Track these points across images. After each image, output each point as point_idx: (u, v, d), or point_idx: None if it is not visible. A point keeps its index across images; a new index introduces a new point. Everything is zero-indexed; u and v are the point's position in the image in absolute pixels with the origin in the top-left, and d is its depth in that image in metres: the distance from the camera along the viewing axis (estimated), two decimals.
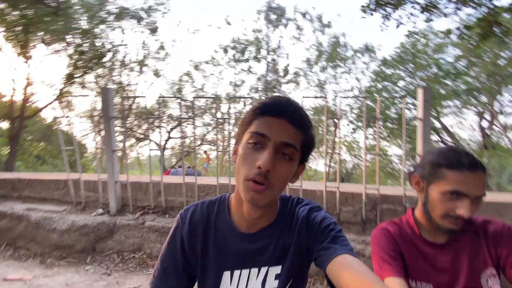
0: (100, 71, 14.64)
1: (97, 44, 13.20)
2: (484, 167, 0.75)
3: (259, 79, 17.58)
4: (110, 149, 2.74)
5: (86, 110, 15.53)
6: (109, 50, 13.90)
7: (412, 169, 0.89)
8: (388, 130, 13.79)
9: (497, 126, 12.86)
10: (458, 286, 0.77)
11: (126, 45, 14.82)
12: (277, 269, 0.63)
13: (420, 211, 0.85)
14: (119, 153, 3.03)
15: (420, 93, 2.34)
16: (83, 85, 14.35)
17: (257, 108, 0.58)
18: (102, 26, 13.27)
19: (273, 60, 17.18)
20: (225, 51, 17.37)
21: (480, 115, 12.89)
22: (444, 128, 13.30)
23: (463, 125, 14.44)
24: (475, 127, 13.56)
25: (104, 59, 13.94)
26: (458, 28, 5.54)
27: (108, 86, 12.78)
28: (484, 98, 11.92)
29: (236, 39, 17.14)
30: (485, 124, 13.03)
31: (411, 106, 10.77)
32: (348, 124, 15.03)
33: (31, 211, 2.76)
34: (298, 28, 16.64)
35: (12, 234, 2.65)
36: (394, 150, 15.94)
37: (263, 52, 17.08)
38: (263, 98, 0.62)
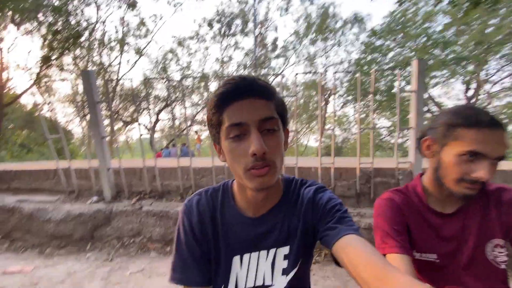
0: (78, 52, 13.84)
1: (72, 22, 12.33)
2: (503, 125, 0.68)
3: (246, 54, 17.08)
4: (98, 136, 2.64)
5: (68, 94, 14.89)
6: (85, 29, 13.04)
7: (420, 135, 0.82)
8: (377, 103, 13.87)
9: (483, 95, 13.13)
10: (462, 255, 0.75)
11: (103, 22, 13.94)
12: (285, 250, 0.64)
13: (430, 178, 0.79)
14: (111, 137, 2.95)
15: (414, 65, 2.31)
16: (61, 67, 13.60)
17: (218, 100, 0.55)
18: (75, 2, 12.33)
19: (261, 33, 16.60)
20: (210, 25, 16.60)
21: (467, 84, 13.06)
22: (431, 98, 13.48)
23: (450, 95, 14.68)
24: (461, 96, 13.81)
25: (81, 39, 13.11)
26: None
27: (88, 69, 12.17)
28: (471, 67, 12.00)
29: (221, 12, 16.34)
30: (471, 93, 13.26)
31: (401, 77, 10.78)
32: (338, 99, 15.02)
33: (22, 202, 2.69)
34: None
35: (6, 227, 2.60)
36: (383, 123, 16.18)
37: (250, 25, 16.42)
38: (221, 83, 0.58)
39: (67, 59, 13.80)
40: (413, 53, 13.00)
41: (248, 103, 0.54)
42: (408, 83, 11.05)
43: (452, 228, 0.77)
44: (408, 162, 2.50)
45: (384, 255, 0.73)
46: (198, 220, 0.65)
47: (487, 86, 12.69)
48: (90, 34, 13.75)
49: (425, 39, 12.53)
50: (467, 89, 13.28)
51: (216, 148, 0.62)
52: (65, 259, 2.25)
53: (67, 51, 12.80)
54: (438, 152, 0.74)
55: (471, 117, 0.68)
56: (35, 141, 15.55)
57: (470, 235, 0.75)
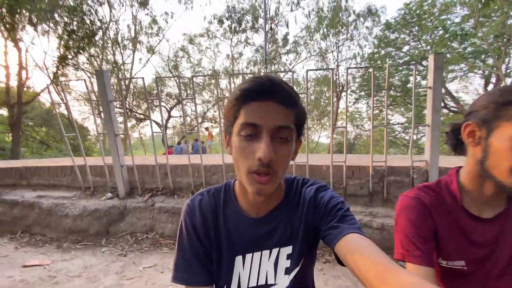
0: (92, 51, 14.17)
1: (86, 21, 12.62)
2: None
3: (257, 50, 16.99)
4: (112, 134, 2.70)
5: (83, 92, 15.30)
6: (99, 28, 13.33)
7: (452, 127, 0.72)
8: (391, 98, 13.53)
9: None
10: (495, 262, 0.67)
11: (117, 21, 14.19)
12: (288, 250, 0.64)
13: (470, 173, 0.67)
14: (125, 134, 3.01)
15: (431, 59, 2.23)
16: (77, 66, 13.98)
17: (240, 95, 0.54)
18: (89, 2, 12.60)
19: (272, 29, 16.45)
20: (221, 22, 16.60)
21: (486, 79, 12.53)
22: (449, 93, 13.02)
23: (468, 89, 14.13)
24: (481, 91, 13.26)
25: (96, 38, 13.41)
26: None
27: (103, 69, 12.44)
28: (491, 61, 11.49)
29: (231, 8, 16.29)
30: (490, 88, 12.71)
31: (417, 72, 10.43)
32: (350, 94, 14.75)
33: (41, 198, 2.80)
34: None
35: (26, 222, 2.72)
36: (397, 119, 15.79)
37: (261, 21, 16.31)
38: (247, 78, 0.56)
39: (82, 58, 14.18)
40: (429, 46, 12.55)
41: (268, 106, 0.52)
42: (424, 77, 10.71)
43: (487, 234, 0.67)
44: (424, 160, 2.42)
45: (403, 262, 0.68)
46: (201, 220, 0.65)
47: (507, 80, 12.13)
48: (104, 33, 14.05)
49: (442, 32, 12.06)
50: (487, 83, 12.74)
51: (226, 139, 0.62)
52: (81, 253, 2.33)
53: (82, 50, 13.13)
54: (485, 138, 0.61)
55: None
56: (53, 138, 16.13)
57: (504, 244, 0.67)
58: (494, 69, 11.07)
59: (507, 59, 11.11)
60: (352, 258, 0.49)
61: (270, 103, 0.52)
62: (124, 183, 2.81)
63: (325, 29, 15.92)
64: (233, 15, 16.46)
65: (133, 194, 2.87)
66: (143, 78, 2.78)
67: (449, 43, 11.94)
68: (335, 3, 15.42)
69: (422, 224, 0.68)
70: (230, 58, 17.31)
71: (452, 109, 13.30)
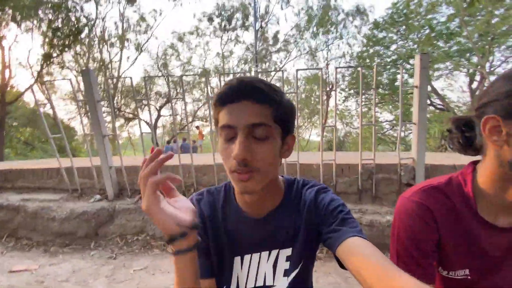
0: (78, 49, 13.81)
1: (71, 19, 12.28)
2: None
3: (247, 48, 16.94)
4: (100, 135, 2.65)
5: (70, 91, 14.90)
6: (85, 25, 12.99)
7: (457, 122, 0.62)
8: (379, 96, 13.77)
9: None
10: (501, 276, 0.59)
11: (103, 18, 13.87)
12: (287, 251, 0.64)
13: (492, 176, 0.55)
14: (113, 134, 2.95)
15: (417, 59, 2.28)
16: (62, 65, 13.60)
17: (216, 100, 0.56)
18: None
19: (262, 27, 16.43)
20: (210, 19, 16.46)
21: (471, 77, 12.89)
22: (434, 91, 13.33)
23: (453, 87, 14.51)
24: (465, 88, 13.65)
25: (81, 36, 13.07)
26: None
27: (89, 68, 12.13)
28: (475, 59, 11.83)
29: (221, 6, 16.18)
30: (475, 85, 13.10)
31: (404, 71, 10.64)
32: (340, 93, 14.91)
33: (27, 201, 2.72)
34: None
35: (12, 225, 2.64)
36: (385, 116, 16.07)
37: (251, 19, 16.26)
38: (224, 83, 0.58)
39: (68, 56, 13.80)
40: (416, 45, 12.82)
41: (240, 106, 0.53)
42: (411, 76, 10.92)
43: (500, 244, 0.58)
44: (411, 158, 2.48)
45: None
46: (200, 218, 0.65)
47: (491, 78, 12.52)
48: (90, 30, 13.71)
49: (428, 31, 12.33)
50: (471, 81, 13.11)
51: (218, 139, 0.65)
52: (70, 257, 2.28)
53: (67, 48, 12.78)
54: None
55: None
56: (38, 138, 15.68)
57: None
58: (479, 67, 11.41)
59: (491, 58, 11.47)
60: (354, 262, 0.49)
61: (242, 103, 0.53)
62: (113, 184, 2.77)
63: (314, 28, 16.02)
64: (223, 12, 16.35)
65: (123, 195, 2.82)
66: (131, 78, 2.73)
67: (435, 42, 12.22)
68: (325, 2, 15.53)
69: (424, 235, 0.59)
70: (221, 56, 17.20)
71: (438, 106, 13.63)
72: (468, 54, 11.88)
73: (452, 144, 0.62)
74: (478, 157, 0.61)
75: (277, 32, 16.94)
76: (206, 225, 0.66)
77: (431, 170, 2.51)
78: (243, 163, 0.52)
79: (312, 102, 18.30)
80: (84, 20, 12.86)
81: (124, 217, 2.54)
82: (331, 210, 0.60)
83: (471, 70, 12.41)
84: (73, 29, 12.21)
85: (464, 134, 0.60)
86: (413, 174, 2.46)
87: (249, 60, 17.03)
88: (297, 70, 2.57)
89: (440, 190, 0.61)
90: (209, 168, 2.76)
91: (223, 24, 16.54)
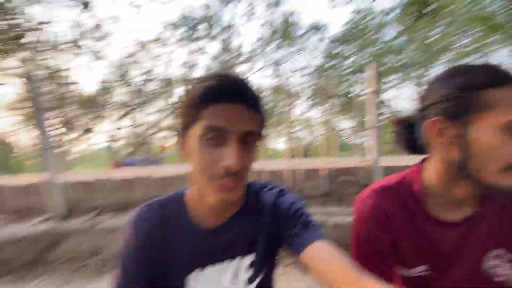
0: (22, 55, 12.53)
1: (12, 22, 11.14)
2: None
3: (214, 59, 16.94)
4: (46, 147, 2.39)
5: (12, 101, 13.37)
6: (28, 30, 11.87)
7: (402, 124, 0.63)
8: (339, 105, 14.70)
9: None
10: (459, 267, 0.59)
11: (49, 22, 12.81)
12: (249, 258, 0.60)
13: (439, 174, 0.56)
14: (63, 148, 2.68)
15: (372, 68, 2.49)
16: (3, 71, 12.20)
17: (204, 93, 0.49)
18: (16, 1, 11.18)
19: (227, 39, 16.60)
20: (175, 28, 16.19)
21: (419, 87, 14.46)
22: (386, 100, 14.64)
23: (403, 97, 16.05)
24: (415, 97, 15.15)
25: (25, 40, 11.89)
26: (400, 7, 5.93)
27: (33, 73, 11.07)
28: (421, 71, 13.35)
29: (185, 16, 16.04)
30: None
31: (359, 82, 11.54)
32: (303, 102, 15.56)
33: None
34: (250, 4, 16.19)
35: None
36: (346, 124, 17.12)
37: (216, 30, 16.35)
38: (210, 74, 0.51)
39: (11, 61, 12.44)
40: (369, 59, 14.04)
41: (236, 109, 0.48)
42: (364, 88, 11.89)
43: (452, 238, 0.59)
44: (369, 160, 2.64)
45: None
46: (147, 234, 0.58)
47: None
48: (37, 35, 12.56)
49: (379, 46, 13.62)
50: (420, 91, 14.69)
51: (180, 139, 0.55)
52: None
53: (9, 53, 11.53)
54: (461, 134, 0.50)
55: (502, 72, 0.49)
56: None
57: (469, 248, 0.59)
58: (423, 78, 12.89)
59: (433, 70, 13.05)
60: (319, 267, 0.49)
61: (239, 106, 0.48)
62: (62, 202, 2.49)
63: (278, 41, 16.63)
64: (187, 22, 16.20)
65: (75, 214, 2.55)
66: (78, 83, 2.53)
67: (386, 56, 13.52)
68: (284, 18, 16.25)
69: (379, 235, 0.60)
70: (185, 66, 16.93)
71: (385, 115, 15.01)
72: (415, 67, 13.37)
73: (399, 145, 0.64)
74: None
75: (242, 44, 17.24)
76: (155, 240, 0.58)
77: (388, 171, 2.69)
78: (235, 173, 0.48)
79: (277, 112, 18.78)
80: (28, 24, 11.75)
81: (75, 239, 2.29)
82: (292, 214, 0.58)
83: (417, 82, 13.94)
84: (15, 33, 11.07)
85: (409, 135, 0.62)
86: (372, 176, 2.61)
87: (214, 70, 17.02)
88: (260, 81, 2.61)
89: (391, 189, 0.62)
90: (172, 179, 2.64)
91: (187, 34, 16.37)
